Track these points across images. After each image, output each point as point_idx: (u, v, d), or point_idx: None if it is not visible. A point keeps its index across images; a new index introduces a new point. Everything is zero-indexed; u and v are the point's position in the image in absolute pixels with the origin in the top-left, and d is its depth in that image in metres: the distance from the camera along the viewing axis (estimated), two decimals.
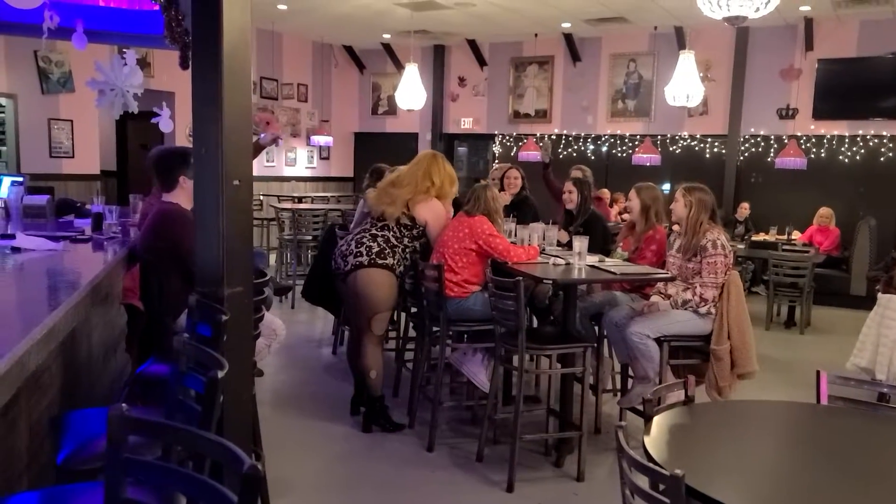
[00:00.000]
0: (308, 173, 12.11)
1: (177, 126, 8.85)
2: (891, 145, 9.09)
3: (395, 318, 5.46)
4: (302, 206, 9.20)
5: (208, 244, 2.59)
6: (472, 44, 11.65)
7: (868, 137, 9.22)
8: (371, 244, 4.11)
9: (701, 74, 8.11)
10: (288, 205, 9.36)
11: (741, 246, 8.06)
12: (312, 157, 12.40)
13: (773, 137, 9.80)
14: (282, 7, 9.61)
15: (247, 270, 2.67)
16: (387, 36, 11.50)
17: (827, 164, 9.42)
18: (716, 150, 10.16)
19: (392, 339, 5.40)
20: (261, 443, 3.34)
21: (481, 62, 11.87)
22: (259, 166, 10.88)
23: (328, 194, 11.51)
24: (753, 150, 9.93)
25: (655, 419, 2.36)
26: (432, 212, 4.22)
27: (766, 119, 9.82)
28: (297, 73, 11.90)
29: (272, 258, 9.10)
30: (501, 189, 5.93)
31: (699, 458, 2.13)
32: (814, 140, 9.52)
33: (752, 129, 9.92)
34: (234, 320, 2.49)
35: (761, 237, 8.71)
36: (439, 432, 4.11)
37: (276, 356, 5.43)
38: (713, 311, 3.93)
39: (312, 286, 6.12)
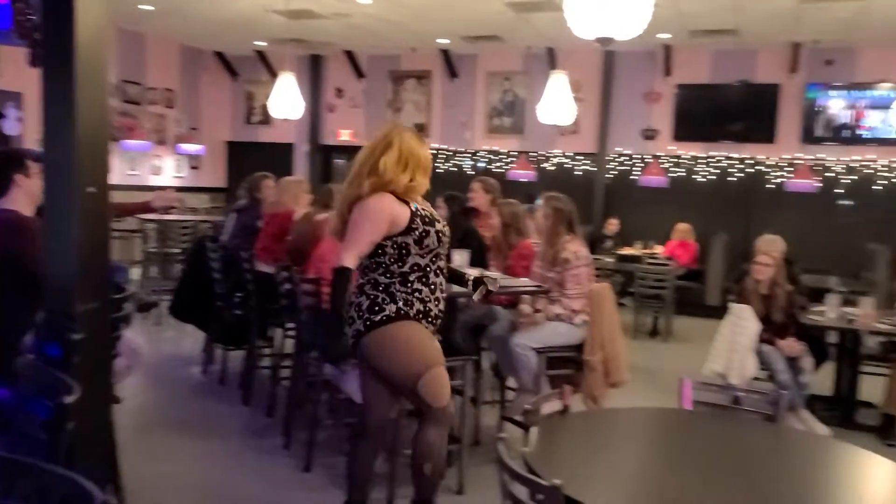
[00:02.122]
0: (176, 183, 11.52)
1: (27, 129, 8.18)
2: (739, 166, 9.85)
3: (270, 333, 5.27)
4: (169, 216, 8.71)
5: (59, 256, 2.36)
6: (350, 55, 11.57)
7: (720, 159, 9.94)
8: (360, 300, 2.86)
9: (572, 95, 8.43)
10: (153, 215, 8.85)
11: (610, 259, 8.43)
12: (181, 165, 11.83)
13: (637, 156, 10.35)
14: (145, 7, 9.12)
15: (103, 285, 2.46)
16: (261, 43, 11.19)
17: (685, 183, 10.07)
18: (586, 167, 10.61)
19: (266, 356, 5.20)
20: (120, 473, 3.09)
21: (359, 74, 11.80)
22: (121, 174, 10.24)
23: (198, 205, 11.01)
24: (620, 168, 10.45)
25: (534, 429, 2.38)
26: (356, 213, 2.84)
27: (632, 139, 10.36)
28: (163, 77, 11.32)
29: (136, 272, 8.55)
30: None
31: (576, 466, 2.16)
32: (674, 160, 10.15)
33: (619, 149, 10.43)
34: (90, 339, 2.28)
35: (627, 251, 9.15)
36: (317, 452, 3.97)
37: (141, 378, 5.09)
38: (586, 317, 4.05)
39: (181, 302, 5.80)
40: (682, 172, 10.11)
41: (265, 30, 10.05)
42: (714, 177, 9.98)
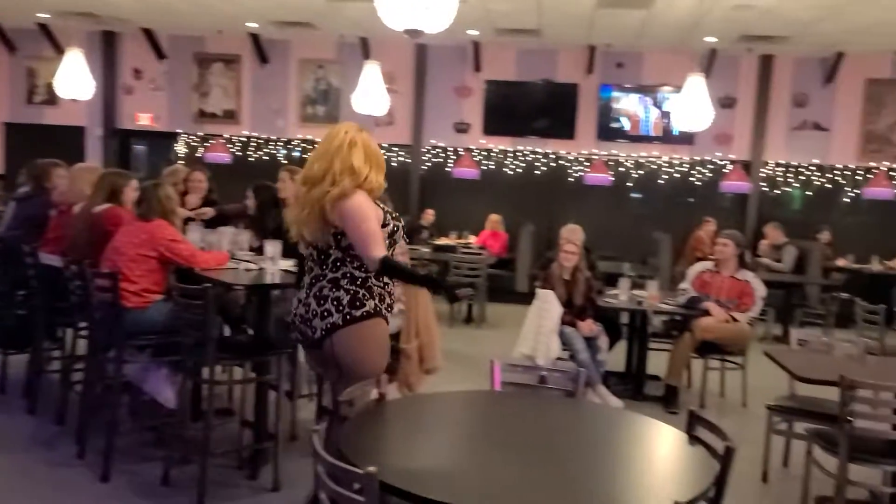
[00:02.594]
0: None
1: None
2: (543, 160, 10.48)
3: (59, 334, 4.78)
4: None
5: None
6: (149, 34, 10.77)
7: (526, 153, 10.51)
8: (338, 294, 2.82)
9: (386, 86, 8.48)
10: None
11: (426, 249, 8.60)
12: None
13: (451, 149, 10.65)
14: None
15: None
16: (44, 15, 10.09)
17: (496, 176, 10.53)
18: (402, 159, 10.73)
19: (55, 359, 4.72)
20: None
21: (160, 54, 11.04)
22: None
23: None
24: (435, 160, 10.69)
25: (350, 420, 2.37)
26: (353, 213, 2.78)
27: (445, 132, 10.65)
28: None
29: None
30: (186, 192, 5.56)
31: (392, 453, 2.17)
32: (484, 153, 10.57)
33: (433, 141, 10.67)
34: None
35: (443, 241, 9.41)
36: (117, 459, 3.67)
37: None
38: (403, 306, 4.10)
39: None
40: (492, 165, 10.55)
41: (48, 0, 9.07)
42: (521, 170, 10.52)
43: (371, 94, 8.11)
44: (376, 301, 2.86)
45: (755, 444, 4.11)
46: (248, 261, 4.18)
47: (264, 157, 10.92)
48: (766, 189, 10.09)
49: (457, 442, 2.41)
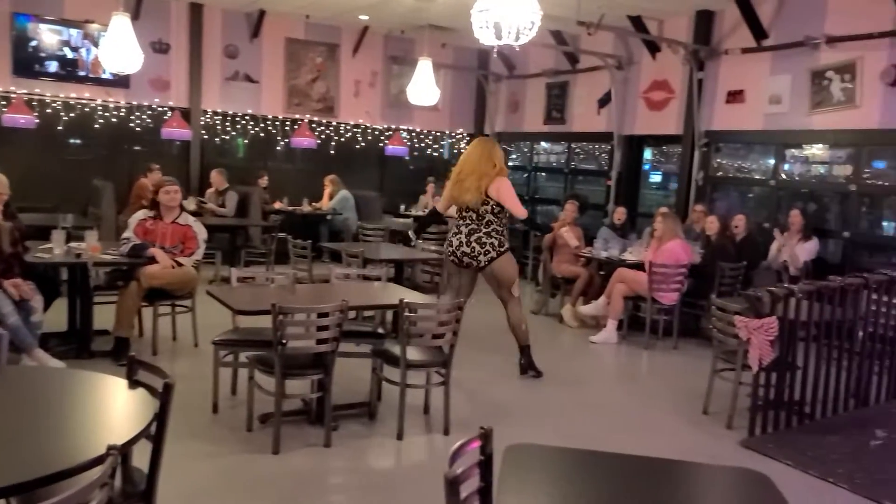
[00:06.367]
0: None
1: None
2: None
3: None
4: None
5: None
6: None
7: None
8: (492, 240, 5.16)
9: None
10: None
11: None
12: None
13: None
14: None
15: None
16: None
17: None
18: None
19: None
20: None
21: None
22: None
23: None
24: None
25: None
26: (505, 190, 5.12)
27: None
28: None
29: None
30: None
31: None
32: None
33: None
34: None
35: None
36: None
37: None
38: None
39: None
40: None
41: None
42: None
43: None
44: (508, 244, 5.24)
45: (206, 380, 4.30)
46: None
47: None
48: (207, 136, 10.38)
49: None
